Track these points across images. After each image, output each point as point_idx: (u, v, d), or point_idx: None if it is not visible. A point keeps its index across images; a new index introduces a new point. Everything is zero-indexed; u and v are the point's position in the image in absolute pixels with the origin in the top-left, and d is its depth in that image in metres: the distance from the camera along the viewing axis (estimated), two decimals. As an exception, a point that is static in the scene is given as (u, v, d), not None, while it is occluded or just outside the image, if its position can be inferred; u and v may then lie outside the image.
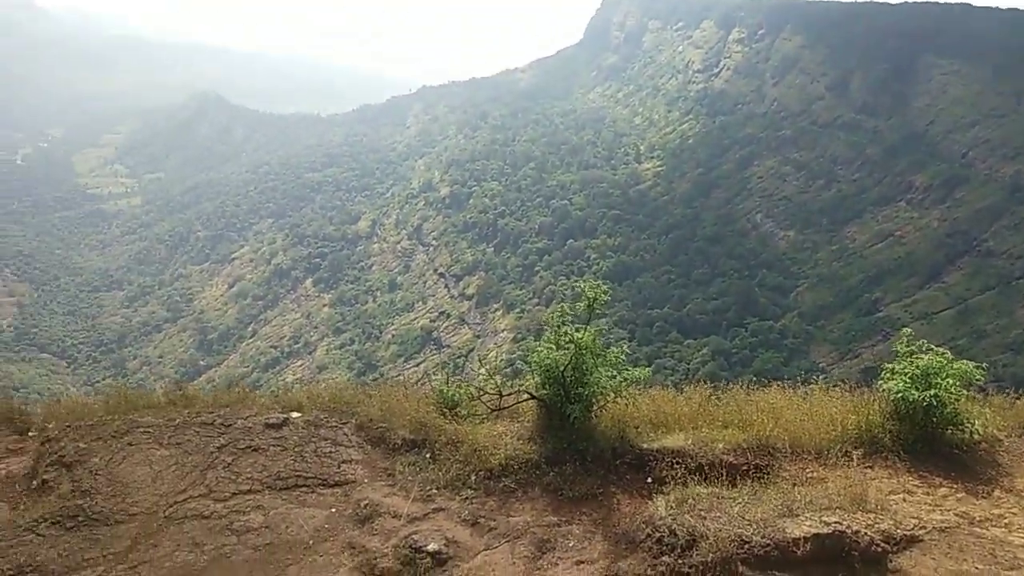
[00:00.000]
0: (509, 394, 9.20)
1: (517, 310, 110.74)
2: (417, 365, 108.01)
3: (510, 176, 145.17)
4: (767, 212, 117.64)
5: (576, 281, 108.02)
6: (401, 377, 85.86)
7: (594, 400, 8.45)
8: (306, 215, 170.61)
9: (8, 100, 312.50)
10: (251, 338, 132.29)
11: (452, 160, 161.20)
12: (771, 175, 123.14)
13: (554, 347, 8.53)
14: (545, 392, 8.60)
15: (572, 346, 8.24)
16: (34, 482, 8.87)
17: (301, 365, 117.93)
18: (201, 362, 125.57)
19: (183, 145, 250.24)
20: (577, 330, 8.41)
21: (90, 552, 7.30)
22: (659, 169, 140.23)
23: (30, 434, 10.63)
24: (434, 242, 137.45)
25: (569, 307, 8.82)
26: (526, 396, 9.05)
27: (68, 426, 9.53)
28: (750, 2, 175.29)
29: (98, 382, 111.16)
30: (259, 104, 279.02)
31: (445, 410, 9.39)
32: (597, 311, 8.52)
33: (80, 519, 7.72)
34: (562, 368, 8.28)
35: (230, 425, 9.29)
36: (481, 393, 9.19)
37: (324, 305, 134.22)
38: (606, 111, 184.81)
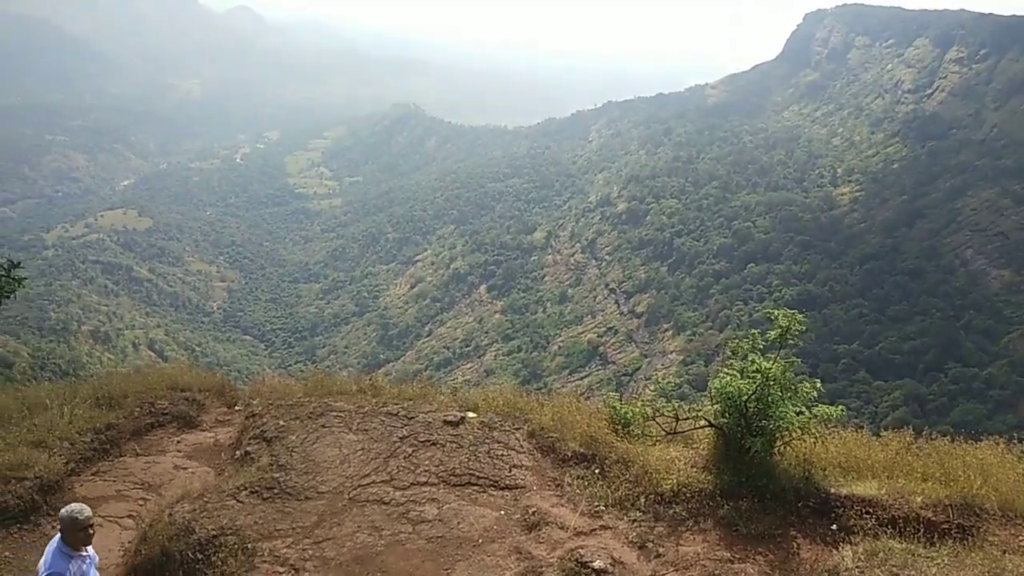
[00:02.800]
0: (685, 419, 8.92)
1: (688, 332, 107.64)
2: (582, 379, 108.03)
3: (691, 194, 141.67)
4: (979, 248, 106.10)
5: (756, 307, 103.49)
6: (565, 389, 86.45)
7: (778, 435, 7.99)
8: (486, 223, 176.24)
9: (235, 105, 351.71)
10: (427, 337, 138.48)
11: (632, 175, 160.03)
12: (986, 208, 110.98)
13: (738, 375, 8.17)
14: (724, 421, 8.25)
15: (759, 375, 7.84)
16: (238, 452, 9.80)
17: (470, 368, 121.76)
18: (381, 356, 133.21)
19: (381, 152, 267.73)
20: (766, 359, 8.01)
21: (281, 523, 7.91)
22: (857, 194, 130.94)
23: (236, 408, 11.78)
24: (607, 257, 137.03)
25: (759, 334, 8.41)
26: (703, 423, 8.74)
27: (270, 404, 10.45)
28: (972, 20, 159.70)
29: (291, 365, 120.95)
30: (453, 116, 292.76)
31: (617, 427, 9.27)
32: (790, 341, 8.07)
33: (275, 491, 8.39)
34: (745, 398, 7.90)
35: (412, 418, 9.76)
36: (656, 414, 8.99)
37: (496, 312, 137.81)
38: (801, 130, 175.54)
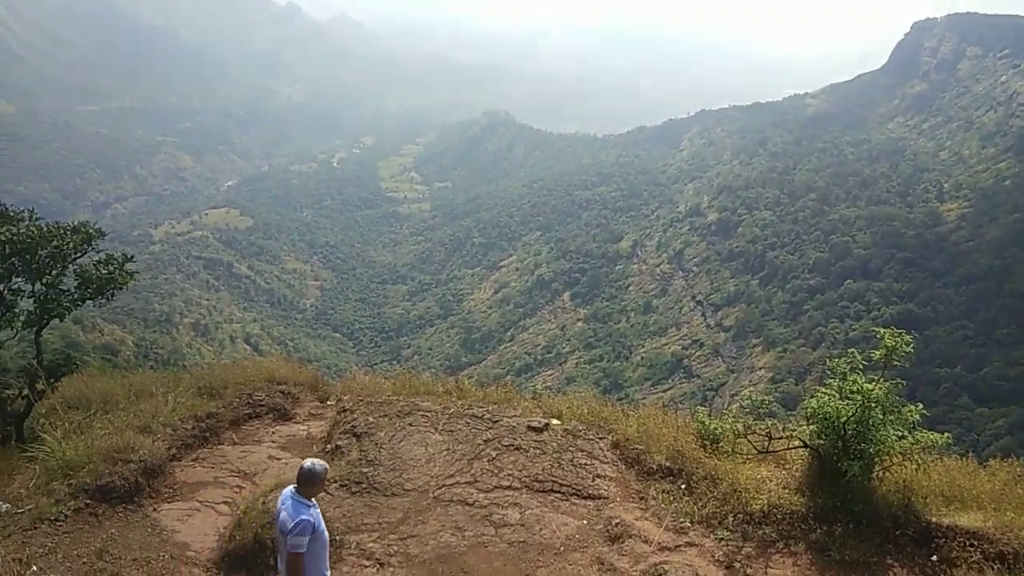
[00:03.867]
0: (779, 438, 8.64)
1: (779, 348, 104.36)
2: (664, 391, 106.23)
3: (786, 206, 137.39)
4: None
5: (853, 326, 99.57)
6: (647, 400, 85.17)
7: (877, 460, 7.65)
8: (571, 230, 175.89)
9: (334, 112, 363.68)
10: (509, 342, 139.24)
11: (724, 186, 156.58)
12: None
13: (836, 395, 7.86)
14: (820, 442, 7.94)
15: (859, 397, 7.51)
16: (328, 446, 10.06)
17: (551, 375, 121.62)
18: (463, 359, 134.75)
19: (471, 158, 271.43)
20: (868, 381, 7.67)
21: (368, 518, 8.07)
22: (965, 211, 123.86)
23: (328, 403, 12.11)
24: (695, 268, 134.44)
25: (859, 353, 8.07)
26: (798, 443, 8.44)
27: (360, 400, 10.71)
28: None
29: (376, 364, 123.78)
30: (544, 122, 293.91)
31: (705, 443, 9.08)
32: (896, 362, 7.71)
33: (363, 486, 8.59)
34: (844, 419, 7.59)
35: (496, 421, 9.81)
36: (748, 432, 8.74)
37: (578, 319, 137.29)
38: (906, 143, 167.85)
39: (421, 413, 10.01)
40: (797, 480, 8.31)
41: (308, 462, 5.91)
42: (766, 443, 8.64)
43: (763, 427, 8.73)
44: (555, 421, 10.06)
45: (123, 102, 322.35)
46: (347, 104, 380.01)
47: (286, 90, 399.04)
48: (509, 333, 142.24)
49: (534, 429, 9.70)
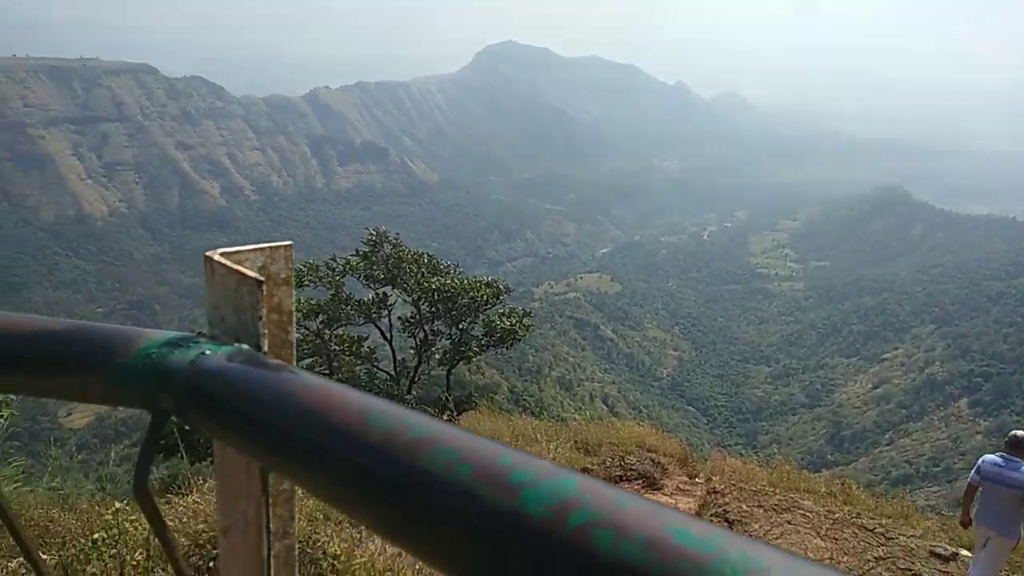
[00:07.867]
0: None
1: None
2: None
3: None
4: None
5: None
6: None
7: None
8: (976, 326, 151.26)
9: (709, 186, 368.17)
10: (886, 446, 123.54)
11: None
12: None
13: None
14: None
15: None
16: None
17: (937, 492, 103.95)
18: (829, 456, 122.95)
19: (855, 237, 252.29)
20: None
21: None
22: None
23: (696, 480, 11.88)
24: None
25: None
26: None
27: (733, 484, 10.27)
28: None
29: (729, 445, 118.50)
30: (947, 202, 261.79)
31: None
32: None
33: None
34: None
35: (891, 539, 8.61)
36: None
37: (977, 432, 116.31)
38: None
39: (801, 512, 9.21)
40: None
41: (1021, 432, 7.31)
42: None
43: None
44: (965, 552, 8.51)
45: (521, 174, 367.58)
46: (723, 178, 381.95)
47: (665, 164, 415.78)
48: (887, 436, 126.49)
49: (939, 556, 8.30)
